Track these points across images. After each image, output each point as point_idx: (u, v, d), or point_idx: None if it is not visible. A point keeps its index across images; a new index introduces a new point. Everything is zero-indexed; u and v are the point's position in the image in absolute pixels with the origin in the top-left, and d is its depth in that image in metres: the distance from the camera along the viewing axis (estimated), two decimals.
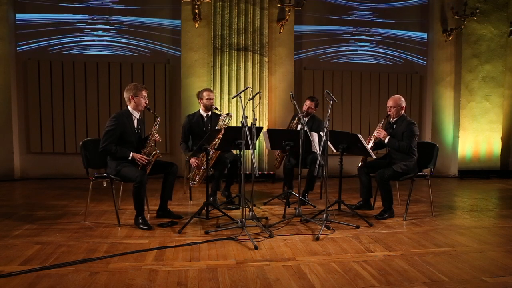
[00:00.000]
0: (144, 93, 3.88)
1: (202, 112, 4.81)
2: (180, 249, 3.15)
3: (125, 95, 3.87)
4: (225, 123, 4.54)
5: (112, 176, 3.79)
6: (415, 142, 4.16)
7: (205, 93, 4.75)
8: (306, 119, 4.87)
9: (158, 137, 3.92)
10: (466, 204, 5.05)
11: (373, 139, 4.32)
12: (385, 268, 2.81)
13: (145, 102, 3.89)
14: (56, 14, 6.34)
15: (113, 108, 6.39)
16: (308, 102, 4.96)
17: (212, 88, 6.30)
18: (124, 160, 3.76)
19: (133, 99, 3.84)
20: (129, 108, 3.88)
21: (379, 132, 4.25)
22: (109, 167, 3.83)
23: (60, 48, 6.42)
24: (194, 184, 4.52)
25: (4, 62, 6.13)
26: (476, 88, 7.22)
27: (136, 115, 3.90)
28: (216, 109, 4.78)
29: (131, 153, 3.76)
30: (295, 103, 4.66)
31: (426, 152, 4.34)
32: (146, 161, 3.78)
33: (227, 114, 4.65)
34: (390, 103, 4.28)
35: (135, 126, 3.90)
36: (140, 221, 3.70)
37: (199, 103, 4.84)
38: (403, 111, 4.28)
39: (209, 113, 4.80)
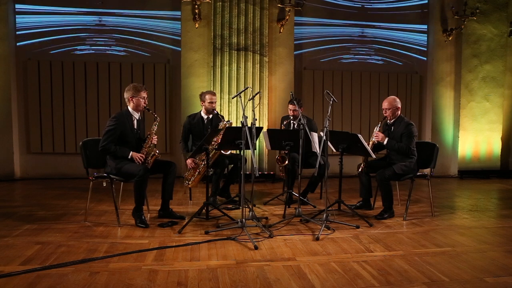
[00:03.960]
0: (143, 94, 3.89)
1: (203, 114, 4.79)
2: (180, 249, 3.15)
3: (125, 95, 3.89)
4: None
5: (112, 176, 3.80)
6: (414, 143, 4.16)
7: (207, 96, 4.69)
8: (305, 120, 4.86)
9: (156, 139, 3.93)
10: (466, 204, 5.05)
11: (371, 143, 4.31)
12: (385, 268, 2.81)
13: (144, 103, 3.90)
14: (56, 14, 6.34)
15: (113, 108, 6.39)
16: (290, 107, 4.85)
17: (212, 88, 6.30)
18: (123, 159, 3.78)
19: (132, 99, 3.86)
20: (129, 108, 3.90)
21: (377, 135, 4.23)
22: (109, 166, 3.84)
23: (60, 48, 6.42)
24: (189, 184, 4.52)
25: (4, 62, 6.13)
26: (476, 88, 7.22)
27: (136, 115, 3.92)
28: (218, 113, 4.72)
29: (131, 152, 3.78)
30: (295, 103, 4.67)
31: (426, 152, 4.34)
32: (143, 160, 3.79)
33: (228, 121, 4.64)
34: (385, 105, 4.26)
35: (135, 127, 3.91)
36: (138, 219, 3.73)
37: (201, 105, 4.80)
38: (399, 112, 4.27)
39: (210, 116, 4.77)
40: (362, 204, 4.51)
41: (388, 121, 4.31)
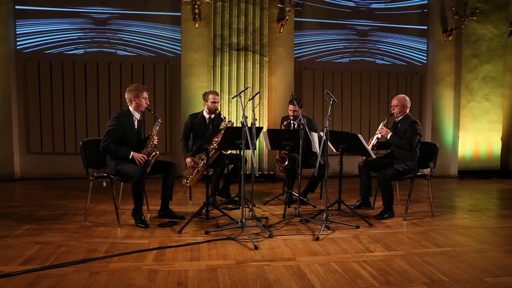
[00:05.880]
0: (145, 94, 3.91)
1: (205, 113, 4.79)
2: (180, 249, 3.15)
3: (126, 95, 3.89)
4: None
5: (112, 176, 3.80)
6: (417, 140, 4.17)
7: (210, 96, 4.70)
8: (305, 120, 4.85)
9: (157, 139, 3.93)
10: (466, 204, 5.05)
11: (375, 137, 4.33)
12: (385, 268, 2.81)
13: (146, 103, 3.92)
14: (56, 14, 6.34)
15: (113, 108, 6.39)
16: (291, 107, 4.84)
17: (212, 88, 6.29)
18: (123, 160, 3.78)
19: (134, 100, 3.87)
20: (130, 108, 3.90)
21: (381, 130, 4.28)
22: (108, 167, 3.84)
23: (60, 48, 6.42)
24: (187, 183, 4.52)
25: (4, 62, 6.13)
26: (476, 88, 7.22)
27: (137, 116, 3.93)
28: (220, 113, 4.74)
29: (132, 152, 3.78)
30: (296, 103, 4.67)
31: (426, 152, 4.35)
32: (145, 160, 3.79)
33: (229, 121, 4.65)
34: (394, 101, 4.31)
35: (136, 127, 3.92)
36: (138, 219, 3.74)
37: (204, 105, 4.81)
38: (407, 110, 4.29)
39: (212, 116, 4.77)
40: (361, 203, 4.51)
41: (395, 118, 4.33)
